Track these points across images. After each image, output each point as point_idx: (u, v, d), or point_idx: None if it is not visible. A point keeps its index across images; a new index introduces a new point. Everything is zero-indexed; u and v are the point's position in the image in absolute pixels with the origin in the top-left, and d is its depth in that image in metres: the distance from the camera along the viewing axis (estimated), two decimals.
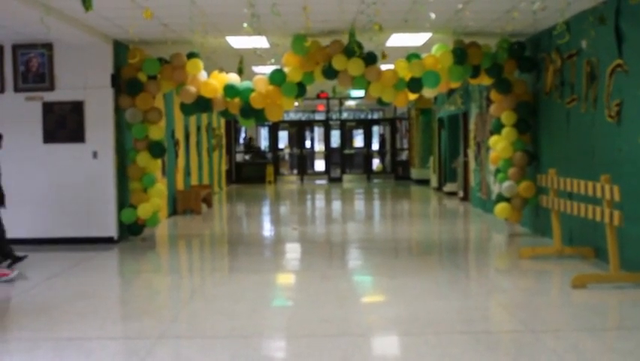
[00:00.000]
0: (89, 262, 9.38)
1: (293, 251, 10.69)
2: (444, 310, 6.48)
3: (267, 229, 13.43)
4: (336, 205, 18.27)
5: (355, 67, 10.27)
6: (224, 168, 22.61)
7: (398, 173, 26.64)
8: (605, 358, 5.15)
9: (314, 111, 28.85)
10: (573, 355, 5.11)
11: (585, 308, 6.56)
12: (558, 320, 6.23)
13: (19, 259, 8.80)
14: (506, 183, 10.94)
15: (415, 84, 10.57)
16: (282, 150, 28.92)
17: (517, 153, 10.95)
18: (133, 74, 10.70)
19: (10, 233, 10.70)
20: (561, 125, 9.92)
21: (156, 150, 10.91)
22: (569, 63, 9.56)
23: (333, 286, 7.61)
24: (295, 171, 27.95)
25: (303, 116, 29.62)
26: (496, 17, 9.58)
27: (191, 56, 10.74)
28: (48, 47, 10.52)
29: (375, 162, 29.22)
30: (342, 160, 27.07)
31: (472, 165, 15.62)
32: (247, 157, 27.43)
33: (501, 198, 11.13)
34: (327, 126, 27.31)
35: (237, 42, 11.13)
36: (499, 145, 11.05)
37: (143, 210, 10.76)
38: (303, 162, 27.42)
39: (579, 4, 8.60)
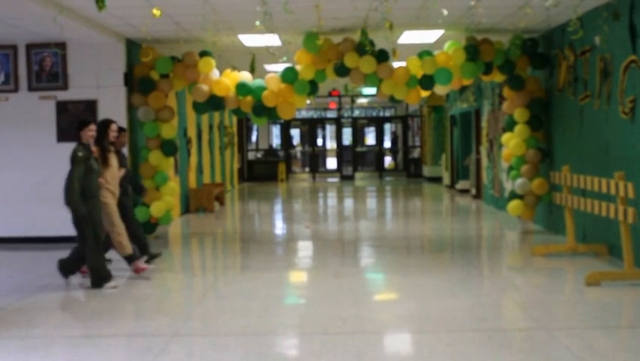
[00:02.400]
0: None
1: (305, 249, 10.70)
2: (457, 308, 6.46)
3: (280, 227, 13.44)
4: (349, 203, 18.26)
5: (367, 64, 10.27)
6: (236, 166, 22.66)
7: (410, 170, 26.60)
8: (620, 356, 5.12)
9: (326, 109, 28.84)
10: (587, 353, 5.09)
11: (599, 306, 6.53)
12: (572, 318, 6.20)
13: (154, 256, 8.88)
14: (519, 181, 10.89)
15: (427, 81, 10.55)
16: (294, 147, 28.93)
17: (530, 150, 10.90)
18: (145, 72, 10.74)
19: (25, 231, 10.81)
20: (574, 121, 9.87)
21: (168, 148, 10.95)
22: (582, 59, 9.51)
23: (346, 284, 7.61)
24: (307, 169, 27.96)
25: (315, 114, 29.64)
26: (509, 14, 9.54)
27: (203, 54, 10.76)
28: (61, 46, 10.58)
29: (388, 160, 29.19)
30: (354, 158, 27.05)
31: (484, 162, 15.57)
32: (259, 155, 27.47)
33: (514, 195, 11.09)
34: (339, 124, 27.31)
35: (249, 40, 11.15)
36: (512, 142, 11.01)
37: (156, 209, 10.80)
38: (315, 159, 27.43)
39: (593, 0, 8.55)
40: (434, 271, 8.39)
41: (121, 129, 8.81)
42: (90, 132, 7.62)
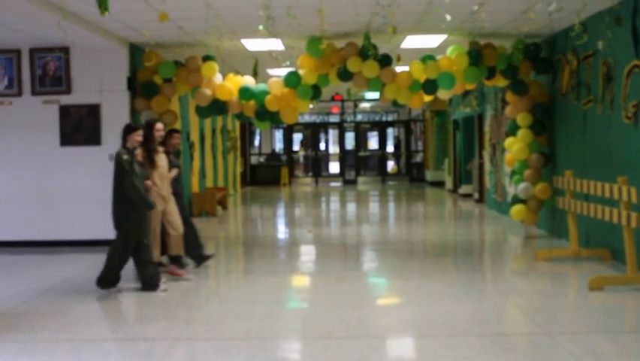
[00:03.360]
0: None
1: (308, 253, 10.69)
2: (460, 313, 6.45)
3: (282, 232, 13.44)
4: (351, 207, 18.26)
5: (370, 69, 10.27)
6: (239, 170, 22.66)
7: (413, 175, 26.57)
8: None
9: (328, 113, 28.84)
10: (590, 358, 5.08)
11: (602, 311, 6.52)
12: (575, 323, 6.19)
13: (207, 257, 8.87)
14: (522, 185, 10.88)
15: (430, 86, 10.55)
16: (296, 152, 28.94)
17: (533, 155, 10.89)
18: (149, 76, 10.75)
19: (28, 235, 10.82)
20: (577, 126, 9.86)
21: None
22: (585, 64, 9.51)
23: (349, 288, 7.61)
24: (310, 174, 27.96)
25: (318, 119, 29.63)
26: (512, 18, 9.54)
27: (206, 58, 10.77)
28: (65, 50, 10.60)
29: (390, 164, 29.17)
30: (356, 162, 27.04)
31: (487, 166, 15.57)
32: (262, 159, 27.48)
33: (517, 199, 11.07)
34: (341, 128, 27.31)
35: (252, 45, 11.16)
36: (515, 147, 11.00)
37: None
38: (317, 164, 27.43)
39: (595, 5, 8.55)
40: (437, 275, 8.38)
41: (173, 131, 8.78)
42: (138, 137, 7.52)
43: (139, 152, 7.75)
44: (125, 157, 7.34)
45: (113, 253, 7.54)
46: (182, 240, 8.33)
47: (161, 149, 8.08)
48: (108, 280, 7.57)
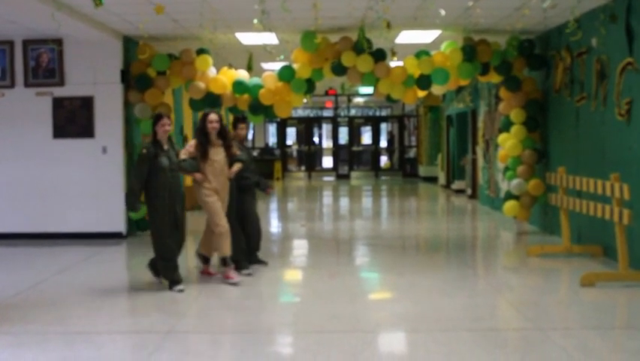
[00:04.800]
0: (98, 256, 9.42)
1: (301, 248, 10.70)
2: (452, 308, 6.48)
3: (275, 226, 13.43)
4: (344, 202, 18.27)
5: (364, 63, 10.26)
6: None
7: (406, 170, 26.61)
8: (614, 357, 5.14)
9: (322, 108, 28.84)
10: (582, 353, 5.11)
11: (594, 307, 6.56)
12: (567, 318, 6.22)
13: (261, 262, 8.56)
14: (515, 181, 10.91)
15: (424, 81, 10.55)
16: (289, 146, 28.92)
17: (526, 151, 10.92)
18: (142, 69, 10.72)
19: (20, 227, 10.79)
20: (570, 123, 9.89)
21: None
22: (578, 61, 9.53)
23: (342, 283, 7.62)
24: (303, 168, 27.96)
25: (312, 113, 29.64)
26: (506, 15, 9.55)
27: (200, 52, 10.74)
28: (58, 42, 10.56)
29: (383, 160, 29.20)
30: (350, 157, 27.06)
31: (480, 162, 15.60)
32: (255, 153, 27.45)
33: (510, 196, 11.11)
34: (335, 123, 27.30)
35: (247, 38, 11.14)
36: (508, 143, 11.02)
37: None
38: (311, 158, 27.42)
39: (589, 2, 8.57)
40: (429, 270, 8.40)
41: (240, 120, 8.47)
42: (163, 127, 7.23)
43: (192, 143, 7.54)
44: (144, 151, 7.14)
45: (152, 241, 7.41)
46: (223, 240, 7.62)
47: (218, 141, 7.61)
48: (154, 266, 7.55)
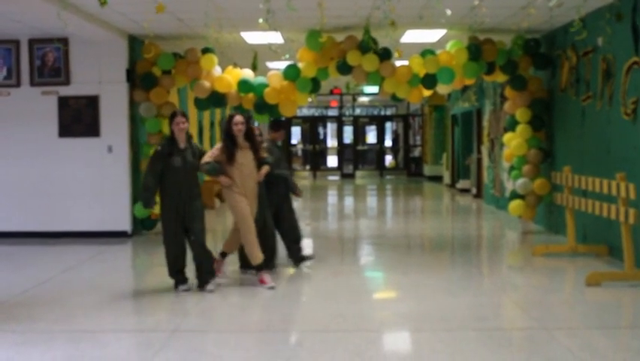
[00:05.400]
0: (103, 255, 9.45)
1: (305, 247, 10.66)
2: (457, 307, 6.47)
3: None
4: (349, 201, 18.26)
5: (370, 62, 10.25)
6: None
7: (411, 169, 26.60)
8: (619, 356, 5.12)
9: (327, 107, 28.83)
10: (587, 353, 5.10)
11: (599, 306, 6.54)
12: (572, 318, 6.21)
13: (306, 258, 8.52)
14: (520, 181, 10.89)
15: (429, 80, 10.54)
16: (294, 145, 28.91)
17: (532, 151, 10.90)
18: (148, 68, 10.73)
19: (26, 226, 10.82)
20: (576, 122, 9.87)
21: None
22: (584, 60, 9.51)
23: (346, 282, 7.62)
24: (308, 167, 27.95)
25: (316, 112, 29.63)
26: (512, 14, 9.54)
27: (205, 51, 10.76)
28: (64, 41, 10.58)
29: (388, 159, 29.18)
30: (354, 156, 27.05)
31: (485, 162, 15.57)
32: None
33: (515, 195, 11.09)
34: (340, 122, 27.29)
35: (252, 37, 11.15)
36: (514, 142, 11.00)
37: (156, 205, 10.77)
38: (315, 157, 27.42)
39: (595, 1, 8.55)
40: (434, 269, 8.39)
41: (277, 123, 8.45)
42: (178, 125, 7.06)
43: (218, 146, 7.33)
44: (158, 148, 7.09)
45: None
46: (252, 248, 7.40)
47: (245, 144, 7.33)
48: (170, 272, 7.31)
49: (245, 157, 7.31)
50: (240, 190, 7.30)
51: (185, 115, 7.19)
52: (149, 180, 7.07)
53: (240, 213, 7.32)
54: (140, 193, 7.32)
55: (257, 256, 7.32)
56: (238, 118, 7.30)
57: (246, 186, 7.32)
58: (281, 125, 8.52)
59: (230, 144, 7.26)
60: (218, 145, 7.38)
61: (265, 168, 7.52)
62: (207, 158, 7.22)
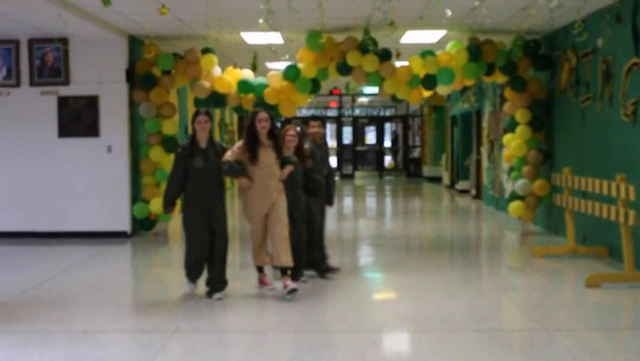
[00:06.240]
0: (103, 255, 9.44)
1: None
2: (457, 308, 6.47)
3: None
4: (348, 202, 18.26)
5: (370, 63, 10.26)
6: None
7: (410, 170, 26.61)
8: (619, 357, 5.12)
9: (326, 107, 28.83)
10: (587, 354, 5.10)
11: (599, 308, 6.54)
12: (572, 319, 6.21)
13: (331, 270, 7.89)
14: (520, 182, 10.90)
15: (429, 81, 10.55)
16: None
17: (532, 152, 10.91)
18: (147, 69, 10.73)
19: (25, 226, 10.81)
20: (576, 123, 9.88)
21: (169, 144, 10.94)
22: (584, 61, 9.51)
23: (346, 283, 7.61)
24: None
25: (316, 113, 29.62)
26: (512, 15, 9.54)
27: (205, 51, 10.76)
28: (64, 41, 10.58)
29: (388, 159, 29.20)
30: (354, 157, 27.05)
31: (484, 163, 15.58)
32: None
33: (515, 196, 11.09)
34: (339, 123, 27.29)
35: (252, 38, 11.15)
36: (514, 143, 11.01)
37: (156, 205, 10.79)
38: None
39: (596, 2, 8.56)
40: (434, 271, 8.39)
41: (311, 118, 8.02)
42: (200, 124, 6.72)
43: (239, 144, 6.92)
44: (179, 150, 6.83)
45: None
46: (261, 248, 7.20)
47: (268, 142, 6.89)
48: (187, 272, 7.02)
49: (267, 156, 6.87)
50: (257, 193, 6.86)
51: (208, 114, 6.86)
52: (168, 185, 6.85)
53: (251, 218, 7.02)
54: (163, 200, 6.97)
55: (258, 259, 7.21)
56: (263, 115, 6.88)
57: (266, 187, 6.86)
58: (314, 118, 7.98)
59: (252, 142, 6.85)
60: (239, 143, 6.98)
61: (288, 168, 7.04)
62: (228, 157, 6.82)
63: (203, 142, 6.80)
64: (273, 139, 6.94)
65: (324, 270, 7.83)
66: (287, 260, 6.89)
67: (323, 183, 7.73)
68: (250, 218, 7.06)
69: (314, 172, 7.58)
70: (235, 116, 21.93)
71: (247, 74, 10.95)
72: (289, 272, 7.00)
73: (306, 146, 7.53)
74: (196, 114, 6.80)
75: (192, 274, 7.01)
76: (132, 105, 10.93)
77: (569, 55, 10.04)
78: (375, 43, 10.16)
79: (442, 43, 11.43)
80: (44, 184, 10.81)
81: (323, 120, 8.22)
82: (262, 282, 7.35)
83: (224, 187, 7.09)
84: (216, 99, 10.85)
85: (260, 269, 7.37)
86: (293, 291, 6.79)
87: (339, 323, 6.02)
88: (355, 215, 14.86)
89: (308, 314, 6.40)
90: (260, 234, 7.08)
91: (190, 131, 7.00)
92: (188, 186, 6.79)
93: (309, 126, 7.85)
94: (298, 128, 7.35)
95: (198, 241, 6.84)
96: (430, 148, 23.34)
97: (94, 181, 10.80)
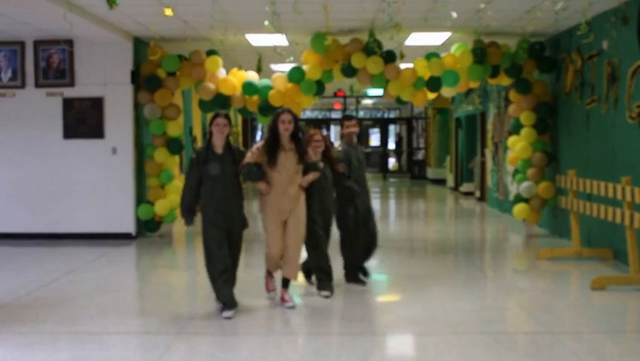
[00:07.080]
0: (108, 257, 9.44)
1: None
2: (462, 311, 6.46)
3: None
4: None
5: (374, 65, 10.26)
6: None
7: (414, 172, 26.59)
8: (625, 360, 5.11)
9: (330, 109, 28.84)
10: (593, 357, 5.08)
11: (605, 310, 6.53)
12: (577, 322, 6.19)
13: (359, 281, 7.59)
14: (525, 184, 10.88)
15: (434, 83, 10.54)
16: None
17: (537, 154, 10.89)
18: (152, 70, 10.75)
19: (30, 228, 10.82)
20: (581, 126, 9.86)
21: (174, 146, 10.96)
22: (589, 64, 9.50)
23: (350, 285, 7.59)
24: None
25: (320, 115, 29.64)
26: (517, 17, 9.53)
27: (210, 53, 10.78)
28: (69, 43, 10.60)
29: (392, 161, 29.18)
30: None
31: (489, 165, 15.56)
32: None
33: (520, 198, 11.07)
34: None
35: (256, 40, 11.16)
36: (518, 145, 10.99)
37: (161, 207, 10.80)
38: None
39: (601, 5, 8.54)
40: (439, 273, 8.38)
41: (346, 118, 7.54)
42: (217, 126, 6.27)
43: (259, 145, 6.47)
44: (193, 156, 6.36)
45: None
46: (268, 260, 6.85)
47: (290, 145, 6.45)
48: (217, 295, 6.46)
49: (288, 160, 6.43)
50: (274, 199, 6.49)
51: (228, 117, 6.37)
52: (183, 193, 6.39)
53: (267, 228, 6.66)
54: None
55: (274, 265, 6.82)
56: (286, 116, 6.39)
57: (284, 194, 6.47)
58: (346, 119, 7.55)
59: (273, 144, 6.41)
60: (259, 144, 6.51)
61: (312, 175, 6.62)
62: (247, 158, 6.40)
63: (219, 147, 6.36)
64: (295, 142, 6.48)
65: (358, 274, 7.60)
66: (293, 274, 6.66)
67: (356, 189, 7.29)
68: (266, 225, 6.65)
69: (348, 177, 7.23)
70: (240, 118, 21.94)
71: (252, 75, 10.96)
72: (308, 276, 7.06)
73: (339, 148, 7.23)
74: (215, 116, 6.34)
75: (223, 297, 6.29)
76: (137, 107, 10.95)
77: (574, 57, 10.03)
78: (380, 45, 10.16)
79: (446, 45, 11.44)
80: (49, 185, 10.82)
81: (358, 120, 7.53)
82: (266, 285, 7.04)
83: (242, 195, 6.55)
84: (221, 101, 10.86)
85: (270, 273, 7.01)
86: (291, 308, 6.58)
87: (344, 325, 6.02)
88: None
89: (312, 316, 6.40)
90: (277, 245, 6.62)
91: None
92: (204, 195, 6.33)
93: (344, 127, 7.43)
94: (324, 132, 7.04)
95: (216, 257, 6.32)
96: (434, 150, 23.32)
97: (99, 183, 10.81)
